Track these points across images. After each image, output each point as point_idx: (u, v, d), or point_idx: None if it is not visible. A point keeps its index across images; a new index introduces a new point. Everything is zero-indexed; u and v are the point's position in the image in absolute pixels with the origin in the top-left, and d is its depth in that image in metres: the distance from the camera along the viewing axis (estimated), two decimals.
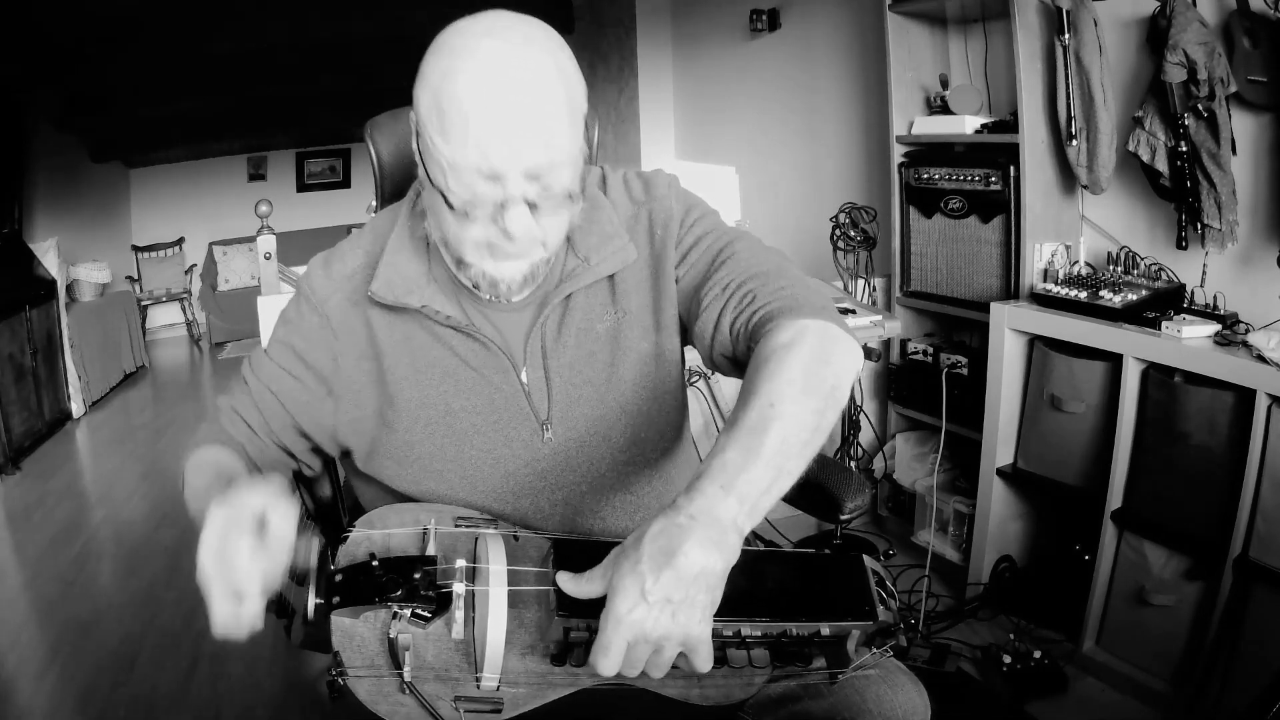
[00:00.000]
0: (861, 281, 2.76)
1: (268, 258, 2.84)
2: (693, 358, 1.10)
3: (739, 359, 0.95)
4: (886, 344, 2.78)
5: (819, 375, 0.82)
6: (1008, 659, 2.13)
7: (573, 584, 0.76)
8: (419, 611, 0.80)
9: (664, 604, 0.70)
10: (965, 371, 2.54)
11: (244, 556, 0.71)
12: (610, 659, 0.71)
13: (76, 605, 2.81)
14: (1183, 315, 1.98)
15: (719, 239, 1.01)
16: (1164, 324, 1.95)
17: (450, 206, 0.85)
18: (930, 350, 2.65)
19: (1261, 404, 1.76)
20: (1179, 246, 2.07)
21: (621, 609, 0.70)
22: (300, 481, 1.34)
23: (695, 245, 1.01)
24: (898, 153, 2.64)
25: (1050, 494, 2.32)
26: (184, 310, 6.97)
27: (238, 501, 0.74)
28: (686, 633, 0.71)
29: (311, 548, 0.79)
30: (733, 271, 0.96)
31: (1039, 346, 2.26)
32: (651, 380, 1.03)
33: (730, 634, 0.80)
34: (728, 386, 2.56)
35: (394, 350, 0.99)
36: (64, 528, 3.44)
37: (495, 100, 0.81)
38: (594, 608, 0.77)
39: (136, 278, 6.74)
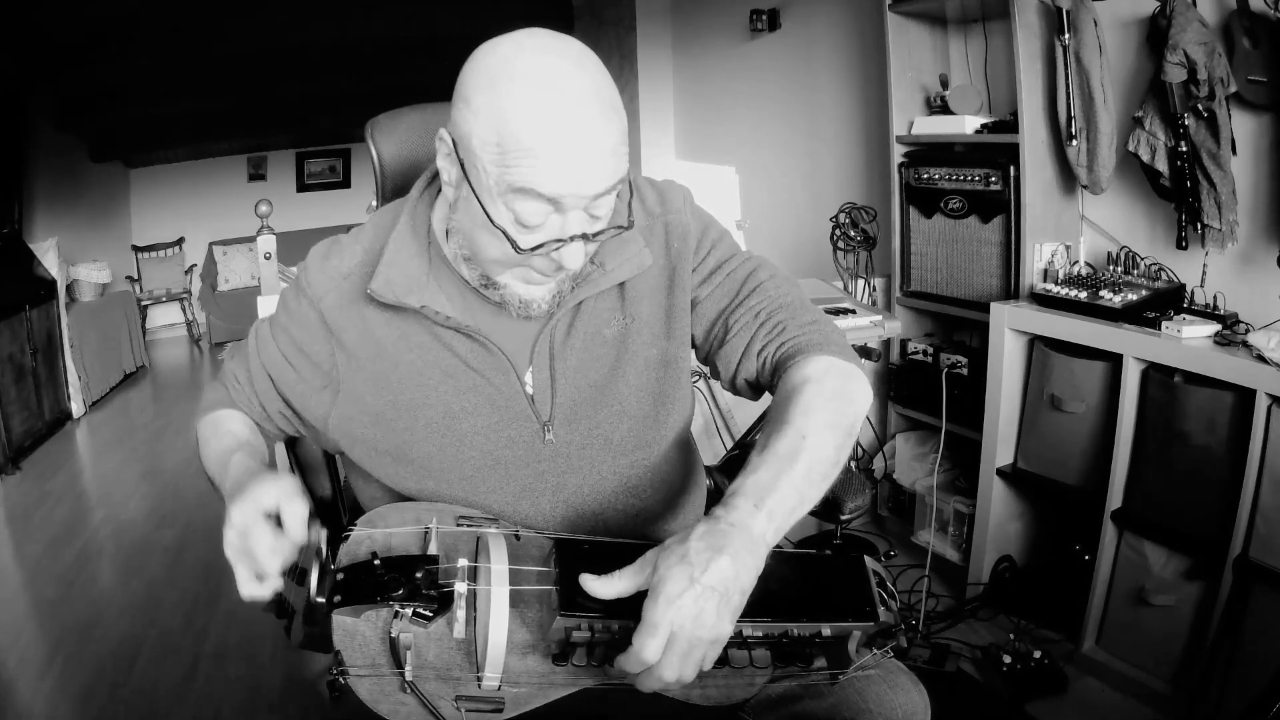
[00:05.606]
0: (861, 281, 2.75)
1: (268, 258, 2.85)
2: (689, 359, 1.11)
3: (762, 384, 1.02)
4: (886, 344, 2.78)
5: (843, 413, 0.90)
6: (1008, 659, 2.13)
7: (599, 584, 0.78)
8: (420, 611, 0.80)
9: (710, 592, 0.74)
10: (965, 371, 2.54)
11: (264, 548, 0.80)
12: (658, 639, 0.73)
13: (76, 605, 2.80)
14: (1183, 315, 1.98)
15: (743, 266, 1.05)
16: (1164, 324, 1.95)
17: (504, 235, 0.85)
18: (930, 350, 2.65)
19: (1261, 404, 1.76)
20: (1179, 246, 2.07)
21: (673, 591, 0.73)
22: (300, 476, 1.35)
23: (718, 269, 1.05)
24: (898, 153, 2.65)
25: (1050, 494, 2.32)
26: (184, 310, 6.97)
27: (258, 493, 0.81)
28: (719, 629, 0.75)
29: (311, 547, 0.81)
30: (762, 301, 1.02)
31: (1039, 346, 2.26)
32: (656, 386, 1.04)
33: (732, 634, 0.80)
34: None
35: (393, 349, 0.99)
36: (64, 528, 3.44)
37: (566, 135, 0.81)
38: (598, 608, 0.78)
39: (136, 278, 6.74)
